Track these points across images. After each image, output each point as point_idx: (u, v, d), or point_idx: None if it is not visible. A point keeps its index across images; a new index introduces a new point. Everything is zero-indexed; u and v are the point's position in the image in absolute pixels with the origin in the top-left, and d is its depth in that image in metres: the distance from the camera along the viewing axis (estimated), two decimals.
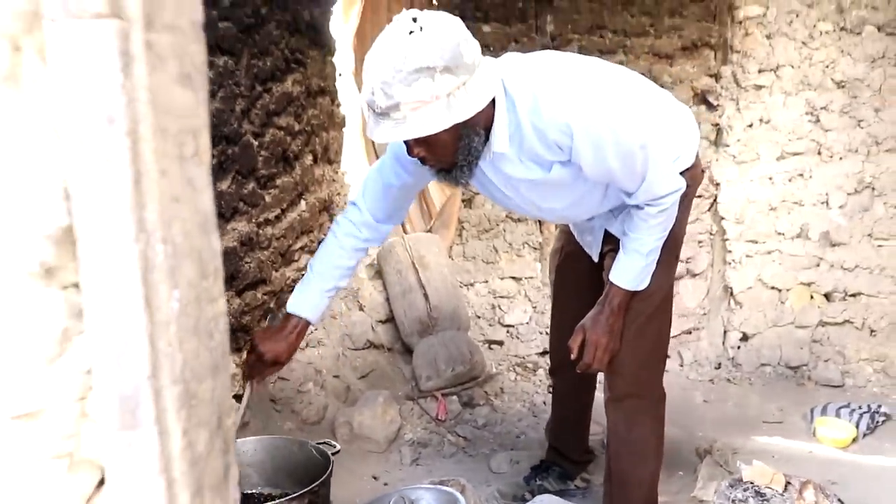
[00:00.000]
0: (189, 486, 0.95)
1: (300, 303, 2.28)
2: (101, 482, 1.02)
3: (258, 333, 2.30)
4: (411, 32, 1.79)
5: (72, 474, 0.99)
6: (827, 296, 4.52)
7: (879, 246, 4.42)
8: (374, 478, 3.35)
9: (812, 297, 4.53)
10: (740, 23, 4.25)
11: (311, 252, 3.77)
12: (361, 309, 4.32)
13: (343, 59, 4.61)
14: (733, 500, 2.33)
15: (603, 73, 2.24)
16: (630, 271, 2.30)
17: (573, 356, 2.38)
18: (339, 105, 4.37)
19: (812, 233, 4.41)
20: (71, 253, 0.92)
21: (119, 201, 0.81)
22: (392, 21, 1.86)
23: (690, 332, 4.62)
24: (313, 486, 2.08)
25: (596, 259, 2.57)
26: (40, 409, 0.93)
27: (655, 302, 2.42)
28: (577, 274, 2.73)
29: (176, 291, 0.87)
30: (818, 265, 4.46)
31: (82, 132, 0.80)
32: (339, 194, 4.33)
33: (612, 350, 2.37)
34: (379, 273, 4.42)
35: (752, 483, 2.39)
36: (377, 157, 4.41)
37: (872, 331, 4.46)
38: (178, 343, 0.89)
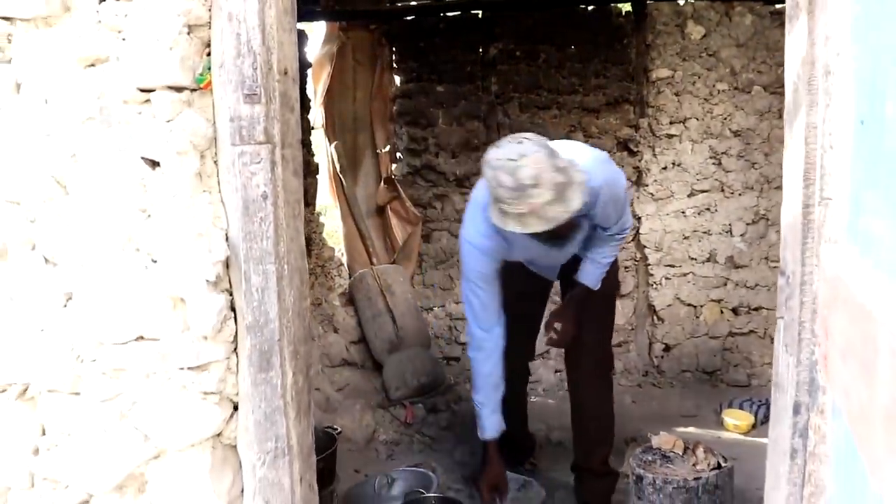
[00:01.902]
0: (294, 408, 1.61)
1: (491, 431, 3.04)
2: (233, 411, 1.66)
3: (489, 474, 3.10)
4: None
5: (219, 406, 1.64)
6: (734, 310, 5.26)
7: (774, 267, 5.19)
8: (356, 471, 3.94)
9: (722, 312, 5.27)
10: (654, 83, 5.02)
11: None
12: (336, 331, 4.94)
13: (315, 115, 5.27)
14: (644, 461, 3.02)
15: (581, 147, 2.90)
16: (594, 275, 3.03)
17: (549, 337, 3.07)
18: (313, 155, 5.02)
19: (719, 257, 5.15)
20: (226, 271, 1.58)
21: (267, 240, 1.47)
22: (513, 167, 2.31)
23: (621, 346, 5.32)
24: (326, 453, 2.72)
25: (554, 279, 3.27)
26: (208, 362, 1.58)
27: (610, 300, 3.26)
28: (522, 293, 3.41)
29: (292, 291, 1.54)
30: (725, 284, 5.20)
31: (248, 204, 1.47)
32: (315, 232, 4.95)
33: (574, 333, 3.09)
34: (351, 300, 5.05)
35: (659, 448, 3.09)
36: (346, 200, 5.09)
37: (773, 339, 5.20)
38: (292, 321, 1.55)
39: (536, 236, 2.51)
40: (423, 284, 5.28)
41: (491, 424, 3.05)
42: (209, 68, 1.51)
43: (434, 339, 5.20)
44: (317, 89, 5.28)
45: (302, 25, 5.10)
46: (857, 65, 1.14)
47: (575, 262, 3.12)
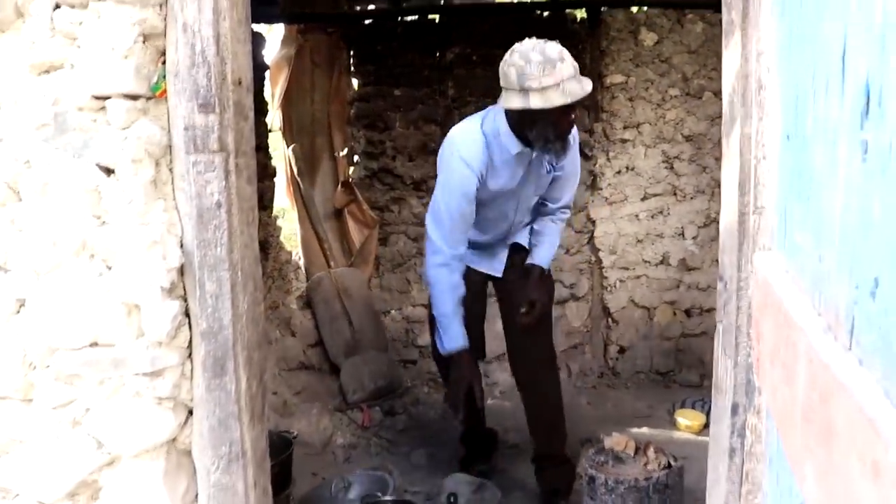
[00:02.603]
0: (247, 414, 1.63)
1: (461, 339, 3.05)
2: (188, 417, 1.68)
3: (469, 378, 3.05)
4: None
5: (173, 412, 1.65)
6: (687, 312, 5.37)
7: None
8: (314, 474, 3.96)
9: (675, 314, 5.38)
10: (608, 88, 5.11)
11: None
12: (293, 335, 4.95)
13: (273, 117, 5.28)
14: (597, 462, 3.09)
15: None
16: (547, 257, 3.22)
17: (526, 312, 3.15)
18: (271, 158, 5.02)
19: (672, 260, 5.26)
20: (180, 278, 1.60)
21: (221, 247, 1.50)
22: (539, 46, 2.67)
23: (576, 347, 5.40)
24: (282, 457, 2.74)
25: (500, 274, 3.32)
26: (163, 368, 1.60)
27: (552, 293, 3.44)
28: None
29: (246, 297, 1.57)
30: (678, 287, 5.31)
31: (202, 212, 1.49)
32: (272, 236, 4.95)
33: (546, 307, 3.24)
34: (308, 303, 5.06)
35: (611, 449, 3.16)
36: (303, 203, 5.10)
37: None
38: (246, 326, 1.58)
39: (523, 160, 2.86)
40: (380, 287, 5.31)
41: (462, 333, 3.06)
42: (164, 77, 1.53)
43: (391, 342, 5.23)
44: (275, 92, 5.28)
45: (260, 27, 5.11)
46: (784, 81, 1.21)
47: (512, 255, 3.30)
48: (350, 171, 5.34)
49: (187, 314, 1.60)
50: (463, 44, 5.16)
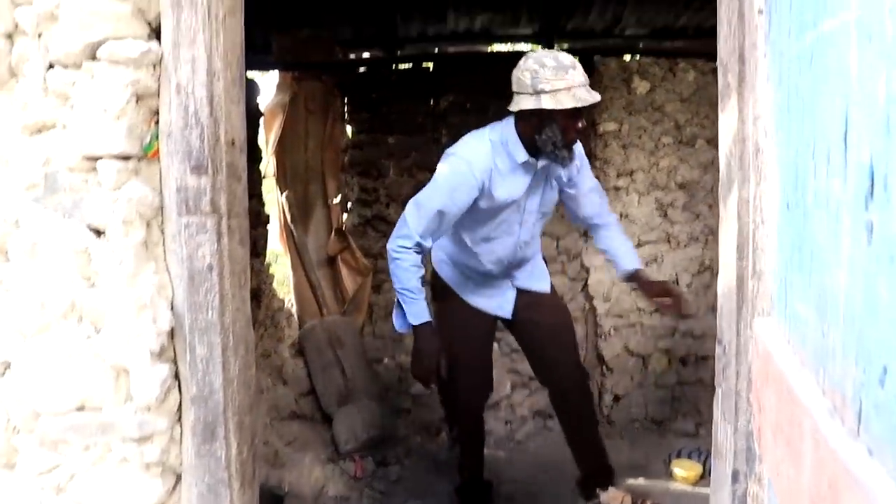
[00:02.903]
0: (238, 480, 1.59)
1: (427, 314, 3.04)
2: (176, 482, 1.64)
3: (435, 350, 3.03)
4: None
5: (161, 478, 1.61)
6: (682, 360, 5.33)
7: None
8: None
9: (670, 362, 5.34)
10: (601, 136, 5.12)
11: None
12: (285, 383, 4.89)
13: (267, 164, 5.28)
14: None
15: None
16: (634, 255, 3.32)
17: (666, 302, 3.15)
18: (264, 205, 5.01)
19: None
20: (170, 341, 1.57)
21: (213, 311, 1.47)
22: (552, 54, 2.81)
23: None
24: None
25: (509, 315, 3.30)
26: (151, 433, 1.56)
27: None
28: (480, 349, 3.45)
29: (237, 361, 1.54)
30: (673, 335, 5.27)
31: (193, 275, 1.47)
32: (264, 283, 4.92)
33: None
34: (301, 352, 5.01)
35: None
36: (296, 250, 5.08)
37: None
38: (237, 391, 1.55)
39: (529, 170, 2.91)
40: (373, 335, 5.26)
41: (425, 309, 3.05)
42: (157, 137, 1.52)
43: (384, 390, 5.17)
44: (269, 138, 5.28)
45: (254, 74, 5.13)
46: (782, 150, 1.20)
47: (521, 295, 3.27)
48: (343, 219, 5.33)
49: (177, 377, 1.57)
50: (457, 92, 5.18)
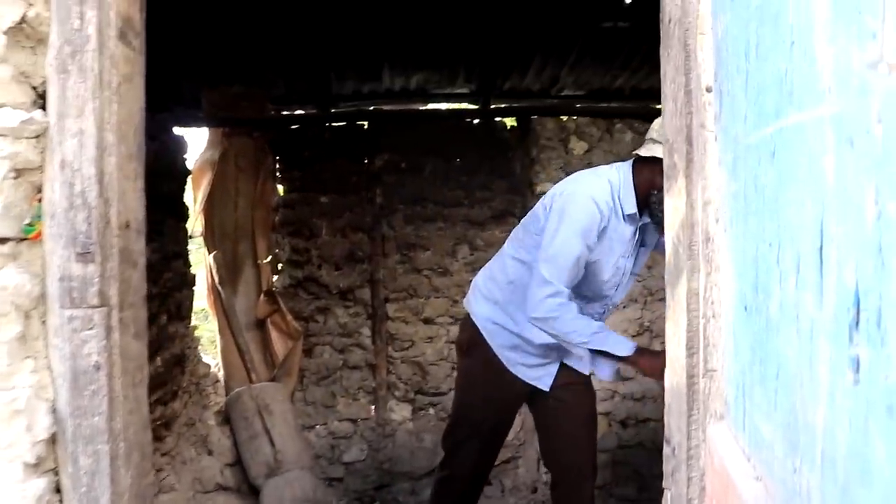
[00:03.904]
0: None
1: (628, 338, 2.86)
2: None
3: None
4: None
5: None
6: (622, 423, 5.23)
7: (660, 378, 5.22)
8: None
9: (610, 425, 5.23)
10: (538, 196, 5.02)
11: (165, 404, 4.10)
12: (210, 453, 4.62)
13: (194, 223, 5.06)
14: None
15: None
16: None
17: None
18: (189, 266, 4.78)
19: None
20: (51, 448, 1.37)
21: (99, 416, 1.29)
22: None
23: (509, 462, 5.19)
24: None
25: (547, 388, 3.03)
26: None
27: None
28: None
29: (130, 471, 1.35)
30: (613, 397, 5.18)
31: (77, 375, 1.28)
32: (189, 348, 4.68)
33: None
34: (227, 419, 4.75)
35: None
36: (224, 313, 4.85)
37: (660, 451, 5.19)
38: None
39: (632, 224, 2.77)
40: (304, 401, 5.04)
41: (622, 336, 2.86)
42: (40, 217, 1.34)
43: (315, 459, 4.93)
44: (197, 196, 5.08)
45: (183, 131, 4.94)
46: (738, 244, 1.08)
47: (562, 370, 3.03)
48: (274, 280, 5.13)
49: (59, 490, 1.37)
50: (392, 151, 5.08)
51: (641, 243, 2.89)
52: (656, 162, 2.66)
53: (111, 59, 1.25)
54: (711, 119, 1.26)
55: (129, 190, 1.32)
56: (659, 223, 2.73)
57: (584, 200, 2.71)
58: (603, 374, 2.94)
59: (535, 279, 2.73)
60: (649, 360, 2.76)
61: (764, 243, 0.93)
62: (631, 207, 2.74)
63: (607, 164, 4.90)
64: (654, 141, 2.68)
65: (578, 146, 5.11)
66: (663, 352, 2.90)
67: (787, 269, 0.84)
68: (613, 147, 5.10)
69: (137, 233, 1.37)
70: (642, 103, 5.23)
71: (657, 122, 2.71)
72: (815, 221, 0.73)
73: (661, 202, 2.65)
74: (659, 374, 2.82)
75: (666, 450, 1.45)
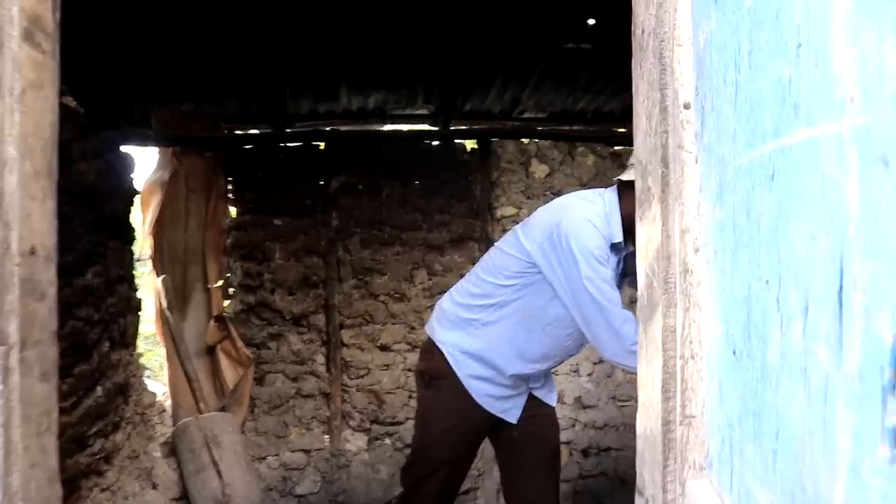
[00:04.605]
0: None
1: None
2: None
3: None
4: None
5: None
6: (584, 452, 5.12)
7: (622, 406, 5.13)
8: None
9: (571, 454, 5.11)
10: (498, 220, 4.96)
11: (106, 436, 3.88)
12: (155, 488, 4.39)
13: (141, 245, 4.86)
14: None
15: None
16: None
17: None
18: (136, 290, 4.58)
19: (567, 398, 5.02)
20: None
21: None
22: None
23: (468, 493, 5.03)
24: None
25: (515, 420, 2.88)
26: None
27: None
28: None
29: None
30: (574, 426, 5.07)
31: None
32: (134, 376, 4.46)
33: None
34: (173, 451, 4.53)
35: None
36: (172, 339, 4.65)
37: (623, 480, 5.09)
38: None
39: (616, 254, 2.59)
40: (255, 432, 4.83)
41: None
42: None
43: (266, 492, 4.72)
44: (145, 217, 4.88)
45: (132, 149, 4.75)
46: (724, 280, 0.96)
47: (531, 400, 2.91)
48: (224, 305, 4.93)
49: None
50: (349, 172, 4.94)
51: (623, 275, 2.77)
52: None
53: (13, 61, 1.09)
54: (691, 138, 1.14)
55: (35, 211, 1.16)
56: None
57: (584, 226, 2.56)
58: None
59: (595, 325, 2.54)
60: None
61: (759, 281, 0.81)
62: (618, 235, 2.60)
63: (570, 188, 4.87)
64: None
65: (539, 169, 5.02)
66: None
67: (790, 312, 0.71)
68: (575, 171, 5.03)
69: (46, 260, 1.20)
70: (604, 126, 5.17)
71: None
72: (832, 259, 0.61)
73: None
74: None
75: (638, 501, 1.32)
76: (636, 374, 2.59)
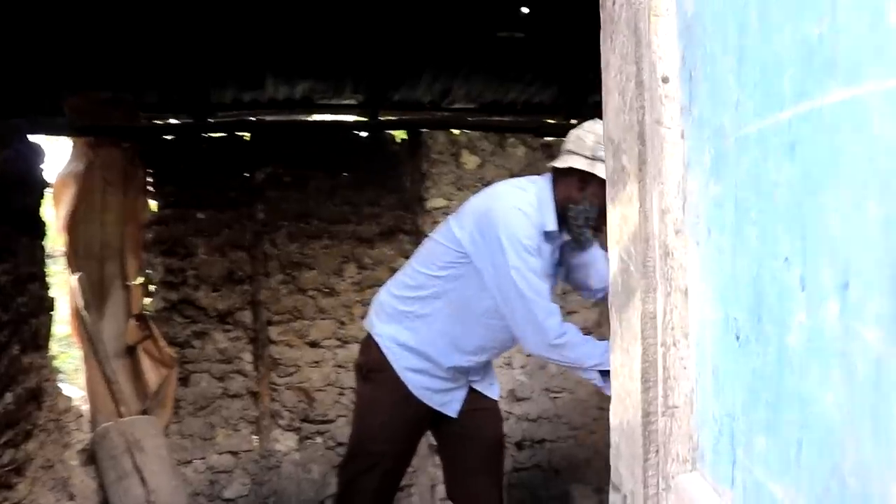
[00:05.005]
0: None
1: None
2: None
3: None
4: None
5: None
6: (518, 444, 5.10)
7: (555, 397, 5.12)
8: None
9: (506, 447, 5.08)
10: (429, 212, 4.88)
11: (16, 446, 3.65)
12: (72, 499, 4.17)
13: (55, 240, 4.61)
14: None
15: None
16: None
17: None
18: (48, 289, 4.33)
19: (501, 391, 4.99)
20: None
21: None
22: None
23: (402, 489, 4.94)
24: None
25: (455, 414, 2.82)
26: None
27: None
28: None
29: None
30: (507, 419, 5.03)
31: None
32: (47, 380, 4.21)
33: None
34: (92, 459, 4.31)
35: None
36: (89, 340, 4.43)
37: (557, 472, 5.09)
38: None
39: (552, 242, 2.58)
40: (179, 435, 4.65)
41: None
42: None
43: (193, 497, 4.55)
44: (59, 212, 4.63)
45: (42, 139, 4.49)
46: (721, 261, 0.90)
47: (471, 394, 2.85)
48: (145, 303, 4.72)
49: None
50: (275, 164, 4.80)
51: (559, 263, 2.73)
52: (573, 174, 2.51)
53: None
54: (671, 114, 1.08)
55: None
56: (577, 240, 2.58)
57: (514, 214, 2.52)
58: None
59: (519, 317, 2.53)
60: None
61: (774, 259, 0.75)
62: (551, 224, 2.57)
63: (501, 179, 4.83)
64: (571, 152, 2.53)
65: (470, 161, 4.97)
66: None
67: (820, 292, 0.65)
68: (506, 162, 4.99)
69: None
70: (535, 117, 5.16)
71: (573, 132, 2.56)
72: (886, 230, 0.55)
73: (579, 216, 2.51)
74: None
75: (614, 497, 1.26)
76: (569, 366, 2.59)
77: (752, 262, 0.81)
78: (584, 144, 2.51)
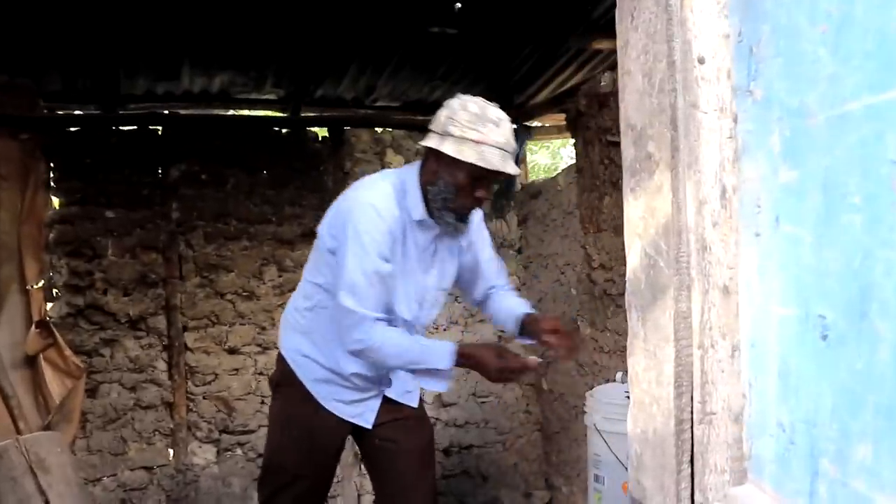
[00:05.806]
0: None
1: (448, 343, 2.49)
2: None
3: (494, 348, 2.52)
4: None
5: None
6: (445, 451, 5.00)
7: (482, 402, 5.05)
8: None
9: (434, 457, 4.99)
10: None
11: None
12: None
13: None
14: None
15: None
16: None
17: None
18: None
19: (427, 396, 4.87)
20: None
21: None
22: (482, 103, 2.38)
23: (327, 500, 4.79)
24: None
25: (369, 425, 2.64)
26: None
27: None
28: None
29: None
30: (435, 424, 4.93)
31: None
32: None
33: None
34: None
35: None
36: None
37: (485, 478, 5.02)
38: None
39: (427, 231, 2.49)
40: (87, 450, 4.35)
41: (442, 342, 2.49)
42: None
43: None
44: None
45: None
46: (798, 253, 0.82)
47: (385, 403, 2.67)
48: (48, 309, 4.40)
49: None
50: (190, 160, 4.56)
51: (436, 252, 2.62)
52: (430, 154, 2.41)
53: None
54: (708, 97, 1.00)
55: None
56: (441, 219, 2.46)
57: (363, 210, 2.40)
58: (438, 387, 2.62)
59: (338, 311, 2.43)
60: (475, 357, 2.47)
61: (889, 248, 0.67)
62: (418, 212, 2.46)
63: None
64: (430, 131, 2.42)
65: (395, 160, 4.86)
66: (485, 344, 2.71)
67: None
68: None
69: None
70: None
71: (442, 111, 2.41)
72: None
73: (436, 199, 2.41)
74: (495, 374, 2.60)
75: None
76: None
77: (850, 253, 0.73)
78: (438, 120, 2.41)
